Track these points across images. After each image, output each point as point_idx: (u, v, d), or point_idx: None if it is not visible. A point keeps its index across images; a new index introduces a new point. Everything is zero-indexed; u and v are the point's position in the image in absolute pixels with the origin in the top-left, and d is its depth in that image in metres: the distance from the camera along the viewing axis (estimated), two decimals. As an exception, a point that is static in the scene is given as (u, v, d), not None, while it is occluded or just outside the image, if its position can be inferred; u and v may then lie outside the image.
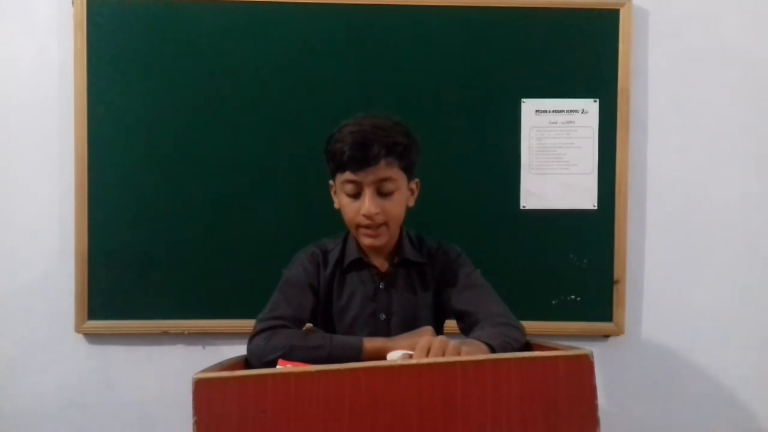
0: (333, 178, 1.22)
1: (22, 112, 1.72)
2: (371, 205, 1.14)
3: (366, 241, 1.19)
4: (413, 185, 1.24)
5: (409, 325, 1.20)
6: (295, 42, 1.71)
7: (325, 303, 1.25)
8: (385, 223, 1.17)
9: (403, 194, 1.20)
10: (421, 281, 1.27)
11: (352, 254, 1.25)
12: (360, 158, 1.12)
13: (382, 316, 1.23)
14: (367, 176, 1.13)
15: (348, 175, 1.14)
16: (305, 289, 1.22)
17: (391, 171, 1.15)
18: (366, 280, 1.25)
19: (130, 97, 1.69)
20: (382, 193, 1.16)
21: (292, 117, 1.71)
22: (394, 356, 1.00)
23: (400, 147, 1.15)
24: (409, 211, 1.27)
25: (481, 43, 1.74)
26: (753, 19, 1.80)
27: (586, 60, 1.75)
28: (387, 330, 1.22)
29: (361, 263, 1.25)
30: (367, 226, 1.16)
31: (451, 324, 1.27)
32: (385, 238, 1.20)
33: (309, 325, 1.23)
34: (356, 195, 1.16)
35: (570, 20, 1.74)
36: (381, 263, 1.25)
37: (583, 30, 1.74)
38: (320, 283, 1.24)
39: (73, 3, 1.67)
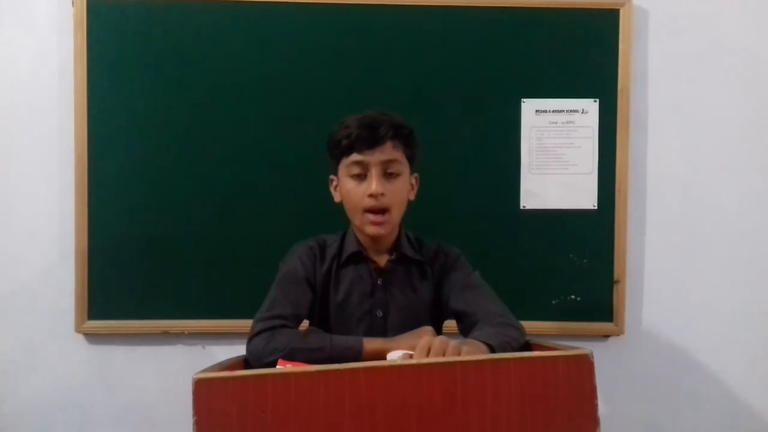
0: (335, 170, 1.24)
1: (22, 112, 1.72)
2: (378, 185, 1.16)
3: (370, 229, 1.19)
4: (413, 180, 1.26)
5: (405, 323, 1.19)
6: (295, 42, 1.71)
7: (322, 298, 1.25)
8: (389, 210, 1.18)
9: (406, 182, 1.23)
10: (419, 280, 1.27)
11: (351, 247, 1.25)
12: (368, 137, 1.16)
13: (379, 313, 1.23)
14: (375, 156, 1.16)
15: (355, 156, 1.17)
16: (303, 285, 1.21)
17: (396, 154, 1.19)
18: (364, 276, 1.25)
19: (130, 97, 1.69)
20: (387, 176, 1.18)
21: (292, 117, 1.71)
22: (394, 356, 1.00)
23: (405, 130, 1.20)
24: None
25: (481, 43, 1.74)
26: (753, 19, 1.80)
27: (586, 60, 1.75)
28: (383, 328, 1.22)
29: (360, 257, 1.25)
30: (372, 210, 1.17)
31: (450, 324, 1.27)
32: (389, 228, 1.20)
33: (305, 322, 1.23)
34: (362, 178, 1.18)
35: (570, 20, 1.74)
36: (379, 259, 1.25)
37: (583, 30, 1.74)
38: (317, 278, 1.24)
39: (73, 3, 1.67)
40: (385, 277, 1.25)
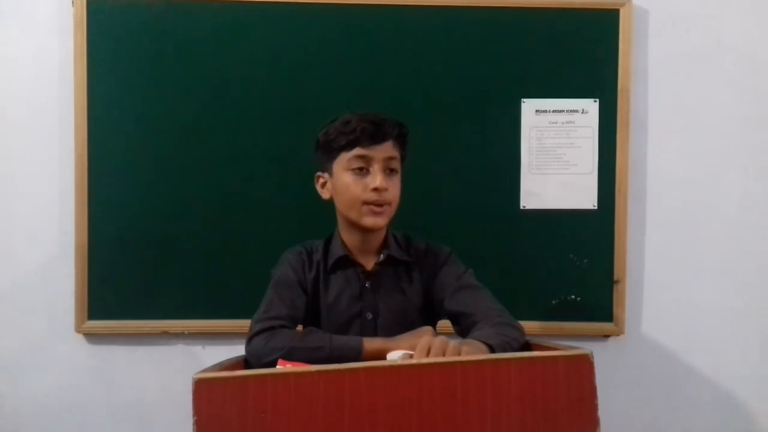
0: (326, 166, 1.23)
1: (22, 112, 1.72)
2: (383, 180, 1.16)
3: (369, 220, 1.18)
4: None
5: (396, 325, 1.19)
6: (295, 42, 1.71)
7: (312, 303, 1.25)
8: (389, 204, 1.19)
9: (400, 180, 1.23)
10: (408, 281, 1.26)
11: (337, 252, 1.25)
12: (373, 133, 1.16)
13: (369, 316, 1.23)
14: (379, 152, 1.17)
15: (358, 150, 1.16)
16: (296, 288, 1.22)
17: (395, 152, 1.20)
18: (351, 279, 1.24)
19: (130, 97, 1.69)
20: (387, 173, 1.18)
21: (291, 117, 1.71)
22: (394, 356, 1.00)
23: (406, 130, 1.22)
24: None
25: (481, 43, 1.74)
26: (753, 19, 1.80)
27: (586, 60, 1.75)
28: (374, 330, 1.22)
29: (347, 261, 1.25)
30: (373, 203, 1.17)
31: (446, 324, 1.27)
32: (387, 219, 1.20)
33: (299, 326, 1.23)
34: (363, 172, 1.17)
35: (570, 20, 1.74)
36: (367, 261, 1.25)
37: (583, 30, 1.74)
38: (307, 282, 1.24)
39: (73, 3, 1.67)
40: (373, 279, 1.25)
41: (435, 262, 1.27)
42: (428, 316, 1.27)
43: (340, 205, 1.23)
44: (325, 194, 1.25)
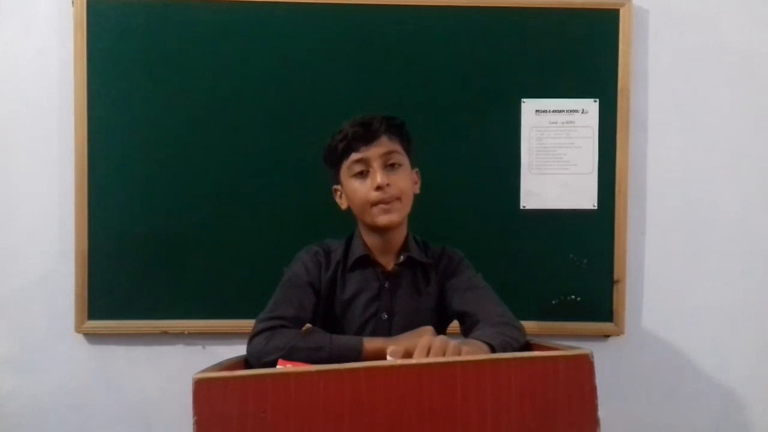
0: (337, 178, 1.25)
1: (22, 112, 1.72)
2: (382, 176, 1.17)
3: (382, 219, 1.19)
4: (415, 174, 1.27)
5: (410, 326, 1.19)
6: (295, 42, 1.71)
7: (327, 302, 1.25)
8: (398, 198, 1.19)
9: (409, 173, 1.23)
10: (425, 283, 1.27)
11: (358, 252, 1.25)
12: (363, 134, 1.18)
13: (384, 316, 1.23)
14: (373, 151, 1.18)
15: (354, 155, 1.19)
16: (306, 289, 1.22)
17: (394, 146, 1.20)
18: (371, 279, 1.25)
19: (130, 97, 1.70)
20: (389, 168, 1.19)
21: (292, 117, 1.71)
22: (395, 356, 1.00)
23: (397, 121, 1.22)
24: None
25: (481, 43, 1.74)
26: (753, 19, 1.80)
27: (586, 60, 1.75)
28: (388, 330, 1.22)
29: (367, 261, 1.25)
30: (380, 201, 1.17)
31: (452, 324, 1.27)
32: (400, 215, 1.21)
33: (308, 325, 1.23)
34: (365, 175, 1.19)
35: (570, 20, 1.74)
36: (387, 262, 1.26)
37: (583, 30, 1.74)
38: (321, 283, 1.24)
39: (73, 3, 1.67)
40: (392, 280, 1.25)
41: (449, 264, 1.28)
42: (442, 318, 1.28)
43: (354, 210, 1.24)
44: (343, 204, 1.27)
